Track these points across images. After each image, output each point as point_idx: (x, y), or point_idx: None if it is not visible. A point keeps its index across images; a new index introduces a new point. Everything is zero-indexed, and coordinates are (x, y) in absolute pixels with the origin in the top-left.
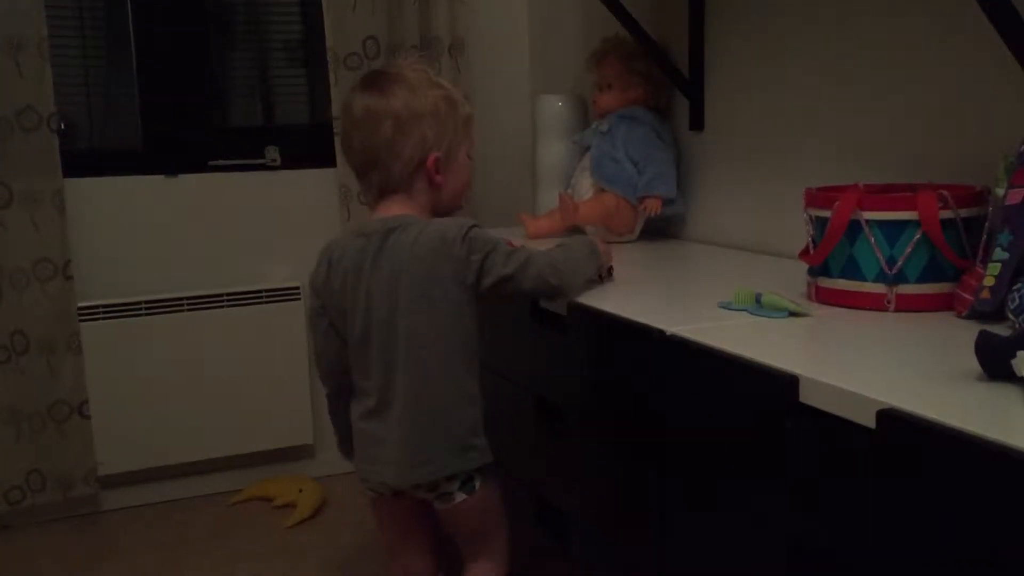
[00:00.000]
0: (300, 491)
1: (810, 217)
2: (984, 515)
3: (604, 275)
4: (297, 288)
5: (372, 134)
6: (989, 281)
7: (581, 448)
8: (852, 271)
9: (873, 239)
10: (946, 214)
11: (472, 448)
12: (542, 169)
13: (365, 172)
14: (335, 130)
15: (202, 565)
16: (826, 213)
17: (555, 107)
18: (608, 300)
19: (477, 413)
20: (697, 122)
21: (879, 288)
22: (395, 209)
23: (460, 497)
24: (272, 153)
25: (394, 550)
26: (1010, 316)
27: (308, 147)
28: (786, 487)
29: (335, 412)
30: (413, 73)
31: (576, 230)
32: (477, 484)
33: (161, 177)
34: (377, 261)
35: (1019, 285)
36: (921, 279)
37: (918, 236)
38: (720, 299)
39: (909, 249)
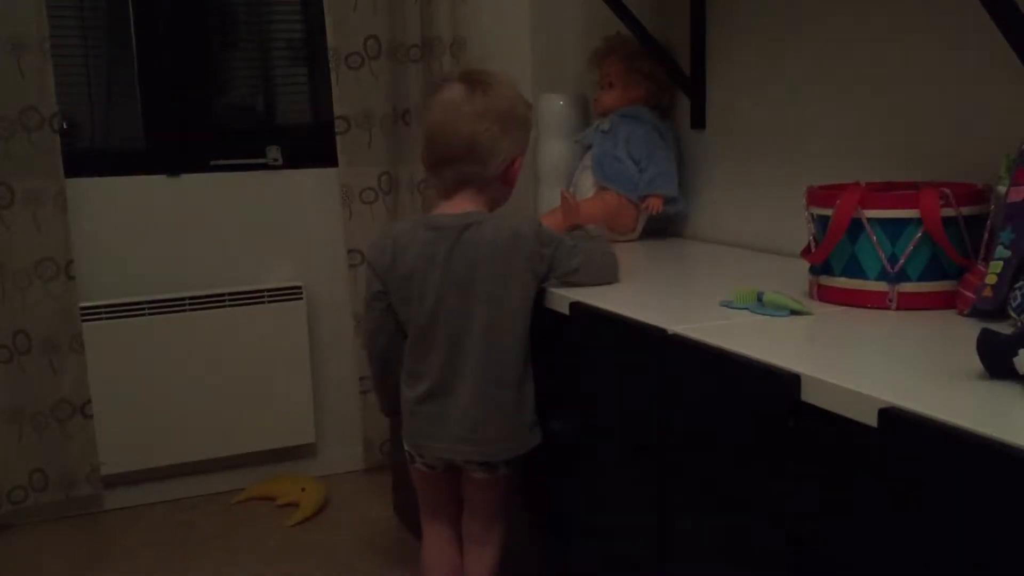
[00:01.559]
0: (302, 490)
1: (812, 215)
2: (986, 513)
3: None
4: (299, 288)
5: (483, 130)
6: (991, 279)
7: (583, 447)
8: (854, 269)
9: (875, 237)
10: (948, 212)
11: (535, 424)
12: (544, 168)
13: (455, 161)
14: (337, 129)
15: (204, 564)
16: (828, 211)
17: (557, 106)
18: (610, 299)
19: (533, 390)
20: (699, 121)
21: (881, 286)
22: (465, 204)
23: (503, 471)
24: (274, 153)
25: (435, 514)
26: (1012, 314)
27: (310, 147)
28: (788, 485)
29: (384, 385)
30: (507, 79)
31: (578, 229)
32: (518, 460)
33: (163, 177)
34: (452, 254)
35: (1021, 283)
36: (923, 277)
37: (920, 234)
38: (722, 298)
39: (911, 247)
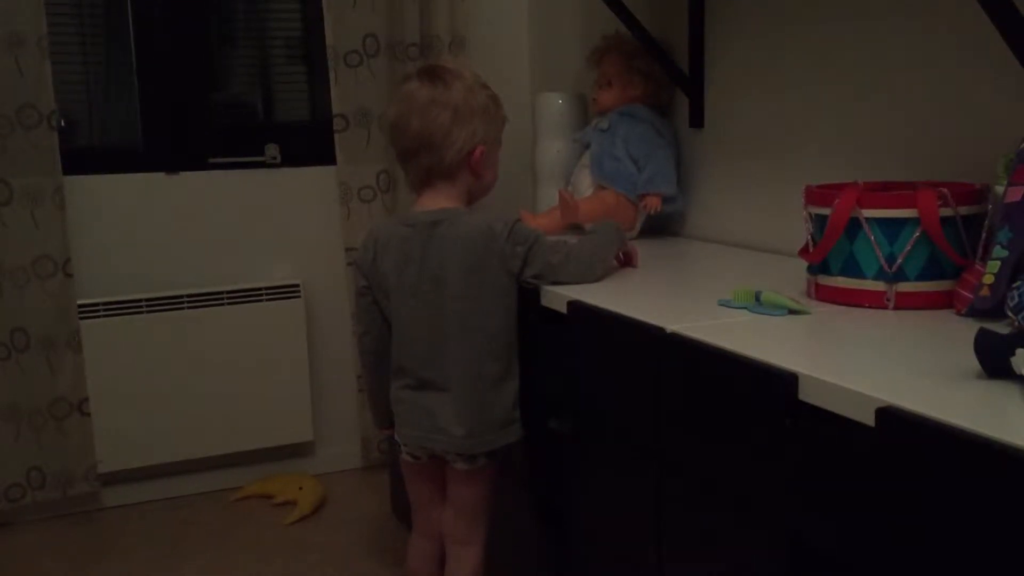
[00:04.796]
0: (300, 488)
1: (810, 215)
2: (983, 512)
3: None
4: (297, 286)
5: (432, 120)
6: (988, 279)
7: (581, 446)
8: (852, 269)
9: (873, 237)
10: (946, 212)
11: (514, 421)
12: (542, 167)
13: (415, 154)
14: (335, 127)
15: (202, 562)
16: (826, 211)
17: (555, 104)
18: (608, 298)
19: (517, 387)
20: (697, 120)
21: (879, 286)
22: (440, 199)
23: (482, 461)
24: (272, 151)
25: (422, 505)
26: (1009, 314)
27: (308, 145)
28: (785, 485)
29: (374, 387)
30: (468, 72)
31: (576, 228)
32: (499, 454)
33: (161, 174)
34: (426, 250)
35: (1018, 283)
36: (921, 277)
37: (918, 234)
38: (720, 297)
39: (909, 247)
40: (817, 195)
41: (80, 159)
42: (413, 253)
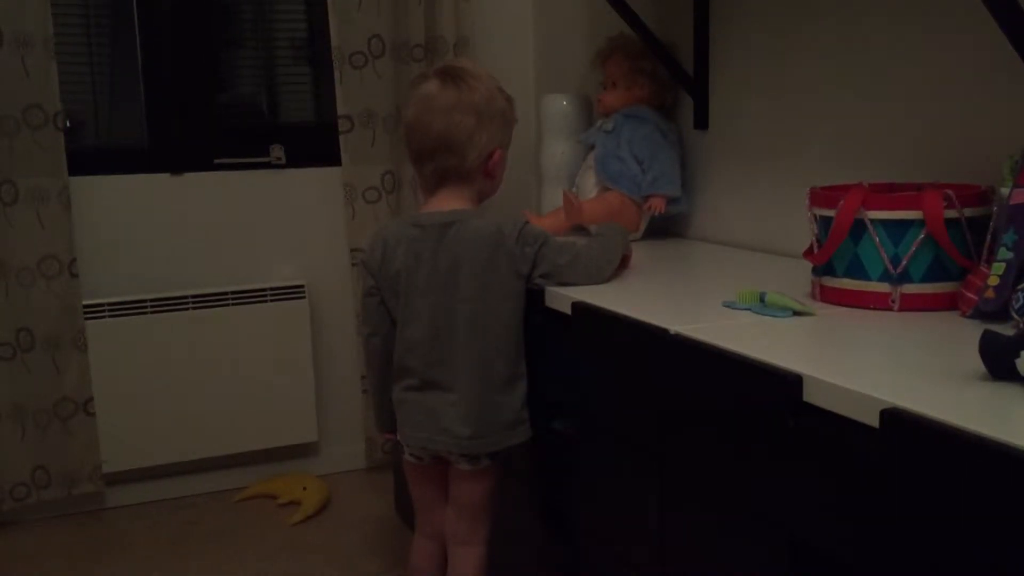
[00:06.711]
0: (304, 488)
1: (814, 216)
2: (987, 514)
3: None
4: (302, 286)
5: (456, 123)
6: (993, 281)
7: (584, 446)
8: (856, 270)
9: (877, 238)
10: (951, 213)
11: (523, 421)
12: (547, 168)
13: (433, 156)
14: (340, 128)
15: (205, 562)
16: (830, 212)
17: (560, 106)
18: (612, 299)
19: (525, 388)
20: (702, 121)
21: (883, 287)
22: (453, 201)
23: (485, 462)
24: (277, 151)
25: (425, 506)
26: (1014, 316)
27: (313, 145)
28: (790, 486)
29: (379, 389)
30: (485, 75)
31: (580, 229)
32: (501, 455)
33: (166, 175)
34: (436, 252)
35: (1023, 285)
36: (925, 279)
37: (922, 236)
38: (724, 298)
39: (913, 248)
40: (822, 197)
41: (86, 159)
42: (424, 254)
